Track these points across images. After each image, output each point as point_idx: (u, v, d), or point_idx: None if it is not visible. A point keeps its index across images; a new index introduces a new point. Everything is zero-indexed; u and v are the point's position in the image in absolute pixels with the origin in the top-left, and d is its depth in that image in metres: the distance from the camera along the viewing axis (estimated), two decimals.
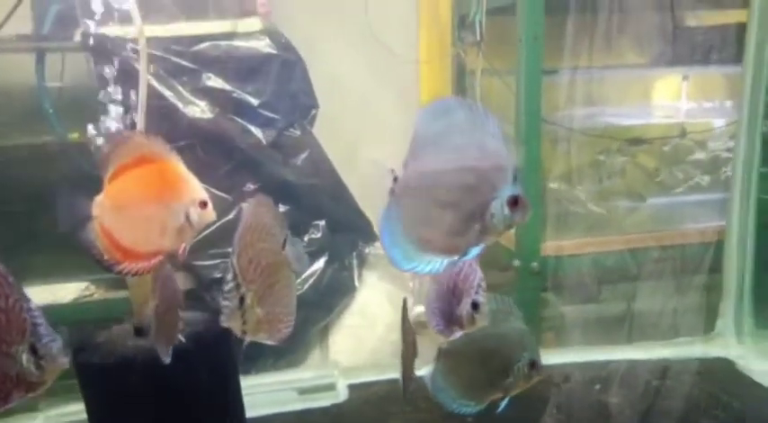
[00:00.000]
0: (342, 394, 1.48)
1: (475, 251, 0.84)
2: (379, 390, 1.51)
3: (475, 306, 0.94)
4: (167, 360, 0.96)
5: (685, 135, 2.47)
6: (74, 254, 2.09)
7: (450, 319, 0.97)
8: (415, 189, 0.82)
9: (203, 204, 0.94)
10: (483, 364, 1.02)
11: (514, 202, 0.80)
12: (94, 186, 2.11)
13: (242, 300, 0.92)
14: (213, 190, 2.04)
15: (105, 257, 0.93)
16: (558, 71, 2.34)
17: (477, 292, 0.95)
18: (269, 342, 0.98)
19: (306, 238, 2.13)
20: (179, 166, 0.94)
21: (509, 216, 0.81)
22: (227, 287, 0.93)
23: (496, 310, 1.03)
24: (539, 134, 2.25)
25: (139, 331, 0.99)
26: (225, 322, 0.92)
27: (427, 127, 0.82)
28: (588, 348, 1.67)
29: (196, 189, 0.94)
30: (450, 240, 0.81)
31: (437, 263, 0.84)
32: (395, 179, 0.83)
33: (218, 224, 2.01)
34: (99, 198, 0.91)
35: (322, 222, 2.15)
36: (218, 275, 1.92)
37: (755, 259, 1.63)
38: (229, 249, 1.99)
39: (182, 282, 1.95)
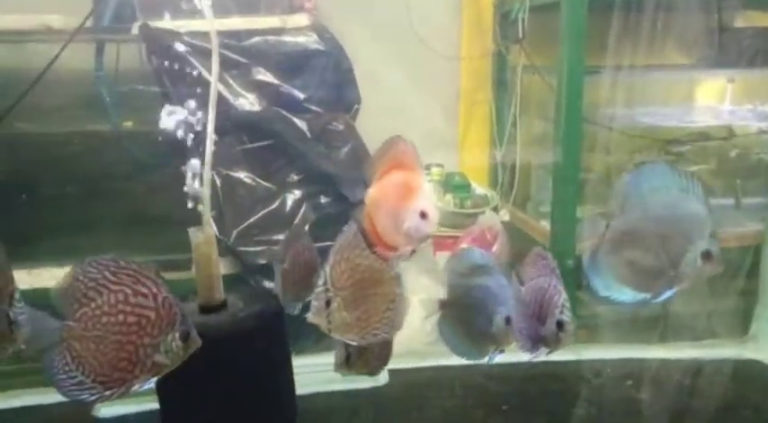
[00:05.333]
0: (382, 378, 1.55)
1: (667, 293, 1.00)
2: (417, 376, 1.57)
3: (560, 325, 0.99)
4: (293, 312, 1.12)
5: (729, 138, 2.45)
6: (124, 236, 2.22)
7: (535, 338, 1.02)
8: (624, 235, 0.99)
9: (423, 215, 1.02)
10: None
11: (707, 256, 0.94)
12: (148, 172, 2.21)
13: (328, 302, 1.02)
14: (258, 180, 2.13)
15: (367, 237, 1.08)
16: (600, 70, 2.34)
17: (561, 312, 1.00)
18: (356, 343, 1.08)
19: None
20: (420, 176, 1.07)
21: (701, 268, 0.95)
22: (317, 290, 1.04)
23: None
24: (579, 133, 2.26)
25: (205, 309, 1.06)
26: (311, 319, 1.04)
27: (637, 186, 0.99)
28: (621, 346, 1.70)
29: (422, 199, 1.04)
30: (647, 281, 0.99)
31: (629, 296, 1.02)
32: (607, 226, 1.01)
33: (262, 213, 2.11)
34: (370, 190, 1.09)
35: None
36: (263, 262, 2.00)
37: None
38: (274, 237, 2.08)
39: (228, 266, 2.04)
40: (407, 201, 1.03)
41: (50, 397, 1.56)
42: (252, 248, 2.02)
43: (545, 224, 2.56)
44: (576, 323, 1.00)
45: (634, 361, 1.62)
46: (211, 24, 1.25)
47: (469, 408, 1.43)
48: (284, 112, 2.11)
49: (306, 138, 2.12)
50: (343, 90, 2.23)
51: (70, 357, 0.94)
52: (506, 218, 2.80)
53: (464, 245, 2.57)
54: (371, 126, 2.58)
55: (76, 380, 0.94)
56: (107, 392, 0.95)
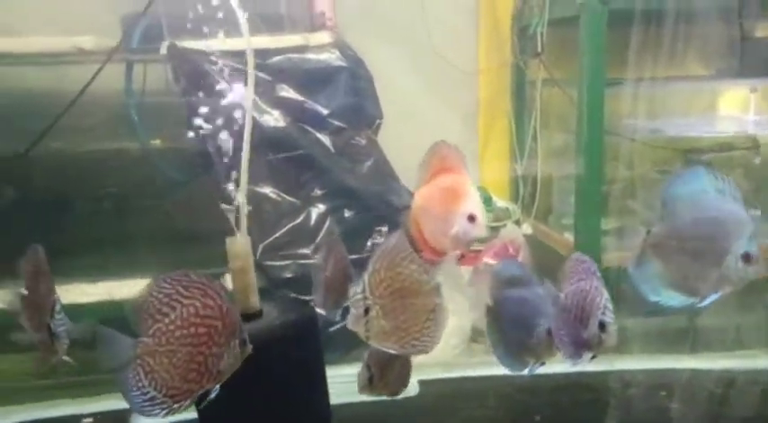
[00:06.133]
0: (413, 389, 1.57)
1: (712, 297, 1.00)
2: (447, 386, 1.60)
3: (602, 326, 0.98)
4: (334, 318, 1.11)
5: (754, 148, 2.43)
6: (154, 252, 2.26)
7: (577, 342, 1.01)
8: (666, 239, 1.01)
9: (471, 218, 1.03)
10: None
11: (747, 258, 0.94)
12: (176, 189, 2.26)
13: (367, 310, 1.04)
14: (283, 195, 2.16)
15: (414, 243, 1.08)
16: (620, 82, 2.35)
17: (603, 313, 0.99)
18: (396, 352, 1.08)
19: (369, 243, 2.20)
20: (466, 179, 1.08)
21: (742, 269, 0.95)
22: (355, 297, 1.05)
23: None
24: (601, 145, 2.26)
25: (242, 317, 1.09)
26: (349, 326, 1.05)
27: (676, 190, 1.01)
28: (652, 356, 1.69)
29: (469, 203, 1.05)
30: (692, 284, 0.99)
31: (679, 300, 1.02)
32: (648, 232, 1.02)
33: (287, 227, 2.13)
34: (416, 195, 1.09)
35: (385, 228, 2.23)
36: (289, 276, 2.02)
37: None
38: (299, 251, 2.11)
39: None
40: (455, 205, 1.03)
41: (87, 407, 1.60)
42: (278, 262, 2.04)
43: (568, 237, 2.55)
44: (617, 325, 0.99)
45: (666, 371, 1.61)
46: (248, 43, 1.29)
47: (501, 418, 1.43)
48: (308, 128, 2.14)
49: (329, 153, 2.15)
50: (365, 105, 2.26)
51: (143, 373, 0.96)
52: (528, 231, 2.79)
53: (486, 259, 2.58)
54: (392, 140, 2.61)
55: (149, 396, 0.96)
56: (175, 405, 0.97)
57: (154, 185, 2.29)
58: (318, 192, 2.18)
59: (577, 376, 1.55)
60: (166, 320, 0.96)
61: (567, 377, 1.50)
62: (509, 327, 1.07)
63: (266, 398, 1.18)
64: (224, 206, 2.09)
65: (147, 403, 0.96)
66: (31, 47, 2.20)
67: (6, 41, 2.18)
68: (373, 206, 2.21)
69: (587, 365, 1.62)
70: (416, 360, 1.45)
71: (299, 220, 2.13)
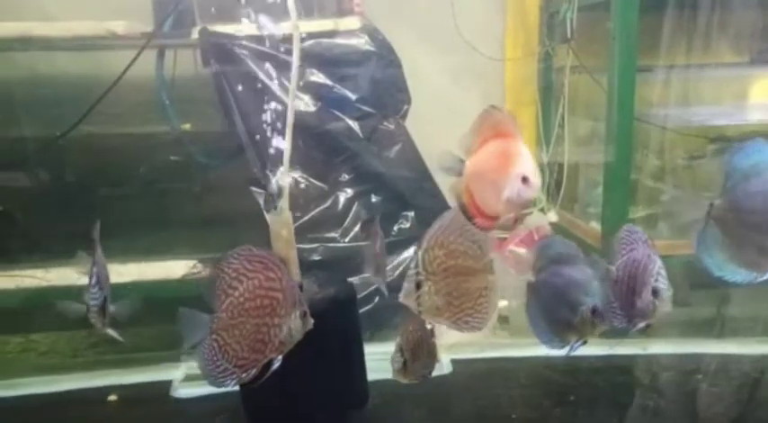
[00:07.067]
0: (446, 368, 1.61)
1: None
2: (480, 366, 1.63)
3: (655, 293, 0.98)
4: (385, 292, 1.19)
5: None
6: (183, 234, 2.30)
7: (631, 312, 1.01)
8: (730, 213, 0.99)
9: (524, 180, 1.00)
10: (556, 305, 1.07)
11: None
12: (205, 173, 2.29)
13: (419, 285, 1.04)
14: (312, 179, 2.18)
15: (466, 210, 1.07)
16: (651, 69, 2.32)
17: (657, 280, 0.99)
18: (450, 328, 1.09)
19: (396, 228, 2.21)
20: (519, 142, 1.04)
21: None
22: (410, 272, 1.06)
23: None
24: (631, 132, 2.24)
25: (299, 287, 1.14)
26: (401, 299, 1.06)
27: (738, 163, 1.00)
28: (687, 340, 1.70)
29: (523, 165, 1.00)
30: (756, 258, 0.98)
31: (744, 275, 1.01)
32: (711, 205, 1.01)
33: (315, 211, 2.15)
34: (468, 162, 1.06)
35: (411, 213, 2.24)
36: (317, 258, 2.05)
37: None
38: (327, 234, 2.13)
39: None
40: (507, 167, 1.00)
41: (129, 377, 1.65)
42: (306, 245, 2.07)
43: (594, 225, 2.54)
44: (672, 291, 0.98)
45: (702, 355, 1.61)
46: (295, 28, 1.30)
47: (536, 397, 1.45)
48: (337, 113, 2.15)
49: (358, 138, 2.16)
50: (394, 91, 2.26)
51: (217, 346, 1.00)
52: (554, 219, 2.78)
53: (512, 246, 2.57)
54: (418, 126, 2.60)
55: (221, 367, 1.00)
56: (243, 375, 1.01)
57: (185, 169, 2.32)
58: (346, 176, 2.19)
59: (612, 358, 1.57)
60: (236, 294, 1.00)
61: (600, 359, 1.50)
62: (552, 304, 1.07)
63: (306, 370, 1.20)
64: (253, 189, 2.13)
65: (220, 375, 1.00)
66: (64, 31, 2.23)
67: (40, 26, 2.22)
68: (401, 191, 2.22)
69: (621, 348, 1.63)
70: (448, 340, 1.47)
71: (326, 205, 2.15)
